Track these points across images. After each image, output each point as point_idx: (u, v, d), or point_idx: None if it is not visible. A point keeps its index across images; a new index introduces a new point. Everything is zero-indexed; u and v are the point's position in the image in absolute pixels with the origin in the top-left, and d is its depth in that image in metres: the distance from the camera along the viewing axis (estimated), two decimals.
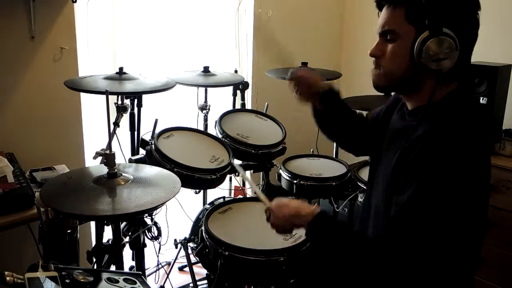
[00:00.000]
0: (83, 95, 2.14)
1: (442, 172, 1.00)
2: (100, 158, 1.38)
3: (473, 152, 1.03)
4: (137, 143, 2.03)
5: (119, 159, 1.54)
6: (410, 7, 1.07)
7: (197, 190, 1.90)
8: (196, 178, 1.69)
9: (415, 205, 1.02)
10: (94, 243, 1.73)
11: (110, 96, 1.43)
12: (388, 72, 1.13)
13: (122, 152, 2.01)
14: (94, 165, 1.54)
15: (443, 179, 1.00)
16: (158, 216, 1.94)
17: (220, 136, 2.00)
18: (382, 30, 1.13)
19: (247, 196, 2.59)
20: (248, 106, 2.78)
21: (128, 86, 1.78)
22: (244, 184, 1.47)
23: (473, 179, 1.03)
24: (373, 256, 1.05)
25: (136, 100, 1.98)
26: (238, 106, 2.58)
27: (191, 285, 2.17)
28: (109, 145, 1.40)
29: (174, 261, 2.46)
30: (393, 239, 1.03)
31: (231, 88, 2.52)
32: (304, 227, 1.18)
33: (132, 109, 1.97)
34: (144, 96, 2.01)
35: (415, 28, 1.06)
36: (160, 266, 2.36)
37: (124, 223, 1.81)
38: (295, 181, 2.00)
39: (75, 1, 1.99)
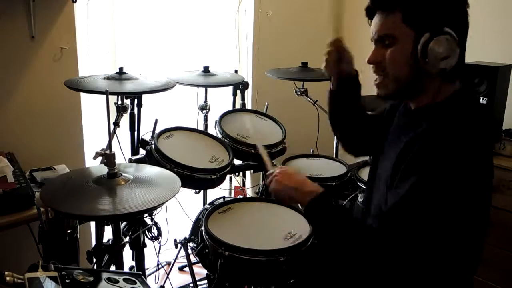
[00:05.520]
0: (83, 95, 2.14)
1: (441, 168, 1.00)
2: (100, 158, 1.38)
3: (473, 151, 1.03)
4: (137, 143, 2.03)
5: (119, 159, 1.54)
6: (406, 11, 1.07)
7: (197, 190, 1.90)
8: (196, 178, 1.69)
9: (410, 199, 1.02)
10: (94, 243, 1.73)
11: (110, 96, 1.43)
12: (395, 78, 1.13)
13: (122, 152, 2.01)
14: (94, 165, 1.54)
15: (441, 175, 1.00)
16: (158, 216, 1.93)
17: (220, 136, 2.00)
18: (379, 36, 1.12)
19: (247, 196, 2.60)
20: (248, 106, 2.78)
21: (128, 86, 1.78)
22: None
23: (472, 177, 1.03)
24: (368, 245, 1.05)
25: (136, 100, 1.98)
26: (238, 106, 2.58)
27: (191, 285, 2.17)
28: (109, 145, 1.40)
29: (174, 261, 2.46)
30: (387, 231, 1.03)
31: (231, 88, 2.52)
32: (302, 204, 1.16)
33: (132, 109, 1.97)
34: (144, 96, 2.01)
35: (414, 30, 1.07)
36: (160, 266, 2.35)
37: (124, 223, 1.81)
38: None
39: (75, 1, 1.99)
